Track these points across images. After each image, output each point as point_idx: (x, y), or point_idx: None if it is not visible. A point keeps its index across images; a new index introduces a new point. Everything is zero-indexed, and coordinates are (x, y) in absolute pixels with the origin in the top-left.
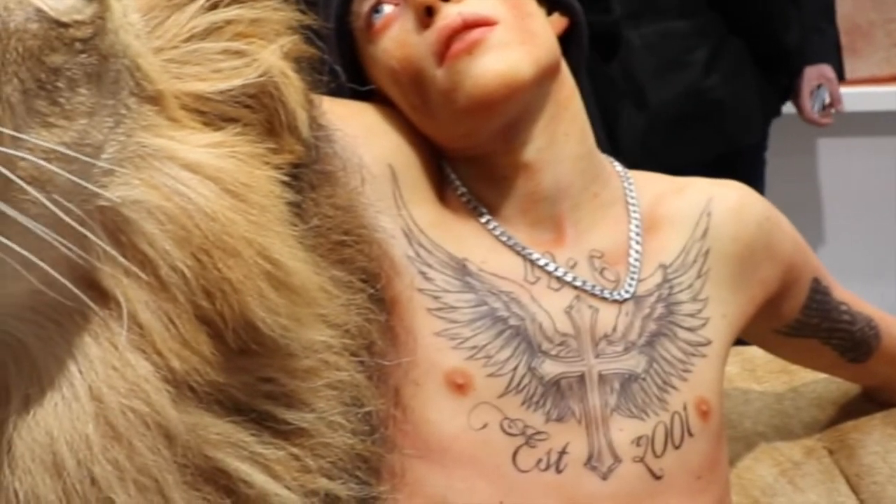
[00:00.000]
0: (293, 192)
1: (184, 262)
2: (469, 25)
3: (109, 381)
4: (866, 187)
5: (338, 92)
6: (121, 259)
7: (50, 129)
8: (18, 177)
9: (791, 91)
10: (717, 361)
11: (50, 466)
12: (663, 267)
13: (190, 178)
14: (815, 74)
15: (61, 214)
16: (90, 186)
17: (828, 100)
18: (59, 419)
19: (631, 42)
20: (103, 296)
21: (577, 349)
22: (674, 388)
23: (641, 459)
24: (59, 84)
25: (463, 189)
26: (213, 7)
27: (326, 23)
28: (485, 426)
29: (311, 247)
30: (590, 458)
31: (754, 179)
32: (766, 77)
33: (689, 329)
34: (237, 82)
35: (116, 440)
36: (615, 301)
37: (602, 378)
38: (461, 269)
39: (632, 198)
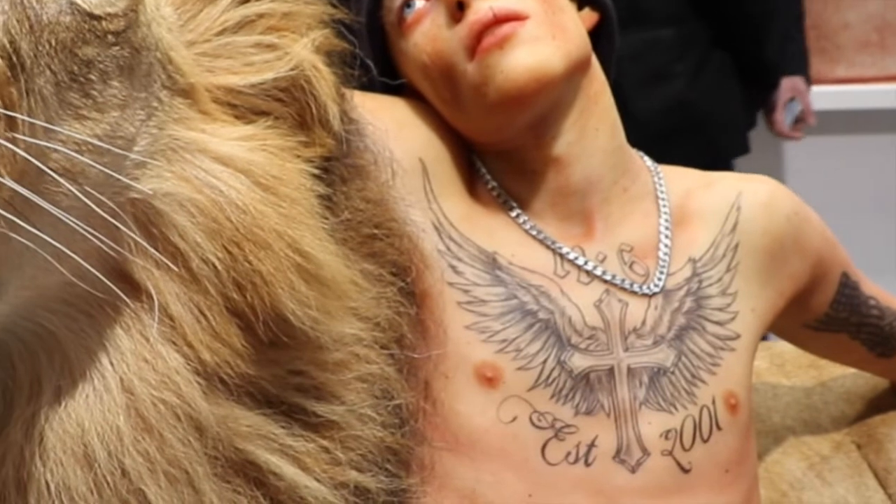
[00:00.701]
0: (324, 185)
1: (215, 255)
2: (500, 20)
3: (140, 373)
4: (835, 186)
5: (369, 86)
6: (152, 251)
7: (82, 122)
8: (51, 168)
9: (763, 101)
10: (745, 355)
11: (81, 458)
12: (693, 261)
13: (221, 171)
14: (789, 87)
15: (93, 206)
16: (122, 178)
17: (798, 112)
18: (91, 411)
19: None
20: (135, 288)
21: (607, 343)
22: (702, 381)
23: (670, 453)
24: (92, 76)
25: (493, 183)
26: (246, 1)
27: (358, 17)
28: (514, 419)
29: (342, 240)
30: (618, 451)
31: None
32: (747, 88)
33: (718, 323)
34: (269, 76)
35: (147, 432)
36: (644, 295)
37: (631, 371)
38: (491, 263)
39: (661, 192)
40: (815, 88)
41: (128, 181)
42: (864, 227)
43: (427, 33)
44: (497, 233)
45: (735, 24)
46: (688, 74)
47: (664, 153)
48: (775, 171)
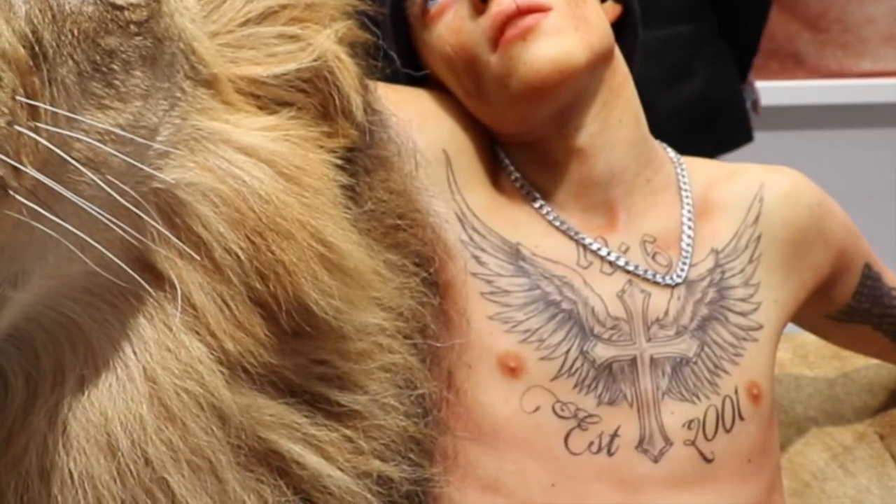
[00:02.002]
0: (347, 175)
1: (238, 245)
2: (523, 11)
3: (163, 362)
4: (861, 179)
5: (393, 77)
6: (175, 240)
7: (105, 111)
8: (73, 158)
9: None
10: (768, 346)
11: (104, 447)
12: (715, 252)
13: (244, 161)
14: None
15: (116, 196)
16: (145, 168)
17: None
18: (114, 400)
19: None
20: (158, 278)
21: (629, 333)
22: (725, 371)
23: (692, 443)
24: (114, 66)
25: (516, 174)
26: None
27: (381, 9)
28: (537, 409)
29: (365, 230)
30: (641, 441)
31: None
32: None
33: (741, 313)
34: (292, 66)
35: (170, 421)
36: (667, 285)
37: (654, 361)
38: (514, 254)
39: (684, 183)
40: (840, 82)
41: (151, 171)
42: (889, 221)
43: (450, 25)
44: (520, 224)
45: (745, 14)
46: (706, 69)
47: (684, 149)
48: (798, 164)
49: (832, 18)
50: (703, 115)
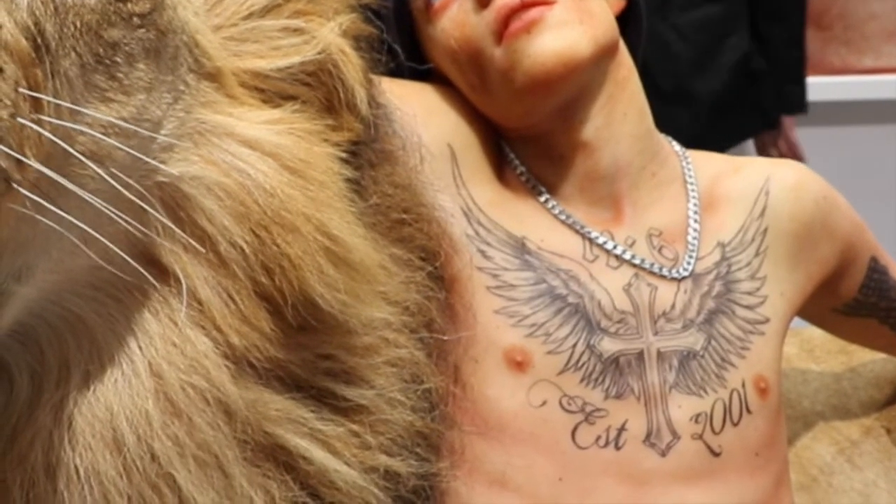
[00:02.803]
0: (352, 169)
1: (243, 238)
2: (527, 4)
3: (169, 357)
4: (864, 175)
5: (397, 71)
6: (180, 234)
7: (108, 104)
8: (77, 151)
9: None
10: (775, 339)
11: (110, 442)
12: (721, 245)
13: (249, 155)
14: None
15: (120, 189)
16: (149, 161)
17: None
18: (119, 395)
19: (663, 35)
20: (163, 272)
21: (636, 326)
22: (732, 365)
23: (700, 436)
24: (117, 59)
25: (522, 168)
26: None
27: (385, 2)
28: (544, 403)
29: (371, 224)
30: (648, 434)
31: None
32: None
33: (748, 307)
34: (296, 59)
35: (176, 416)
36: (674, 279)
37: (661, 355)
38: (520, 248)
39: (690, 177)
40: (843, 79)
41: (155, 164)
42: (891, 217)
43: (454, 18)
44: (526, 218)
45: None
46: (738, 50)
47: (717, 130)
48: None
49: (835, 15)
50: (742, 84)
